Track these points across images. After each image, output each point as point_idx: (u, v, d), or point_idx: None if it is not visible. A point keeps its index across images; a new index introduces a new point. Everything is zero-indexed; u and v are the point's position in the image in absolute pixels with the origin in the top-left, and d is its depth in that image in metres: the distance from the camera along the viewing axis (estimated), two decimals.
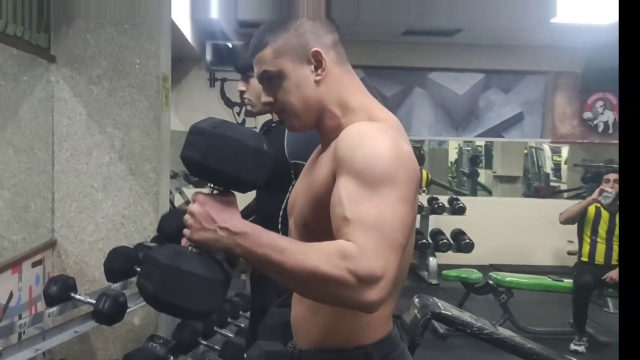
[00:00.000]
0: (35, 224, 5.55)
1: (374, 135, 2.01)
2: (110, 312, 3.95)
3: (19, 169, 5.46)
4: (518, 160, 16.41)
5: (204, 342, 5.00)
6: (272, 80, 2.22)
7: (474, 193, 17.71)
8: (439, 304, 5.81)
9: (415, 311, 5.76)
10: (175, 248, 1.95)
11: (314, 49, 2.18)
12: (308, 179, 2.28)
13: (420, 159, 15.31)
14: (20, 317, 4.79)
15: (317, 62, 2.19)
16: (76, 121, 5.49)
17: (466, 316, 5.76)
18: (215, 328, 5.25)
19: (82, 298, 4.11)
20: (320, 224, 2.10)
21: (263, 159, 1.99)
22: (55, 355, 5.54)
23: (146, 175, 5.52)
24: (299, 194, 2.32)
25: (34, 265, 5.23)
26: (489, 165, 19.56)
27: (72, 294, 4.13)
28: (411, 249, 2.23)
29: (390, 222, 1.89)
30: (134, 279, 4.63)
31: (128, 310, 4.16)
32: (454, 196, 12.03)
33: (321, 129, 2.29)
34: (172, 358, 4.46)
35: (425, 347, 6.64)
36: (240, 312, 5.82)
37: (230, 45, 11.02)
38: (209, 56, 11.11)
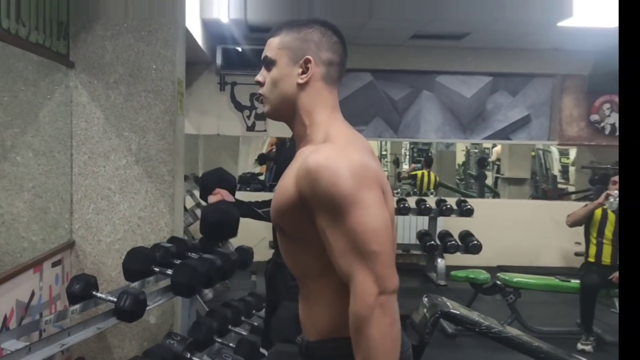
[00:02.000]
0: (54, 225, 5.68)
1: (325, 165, 2.23)
2: (131, 309, 4.07)
3: (39, 171, 5.60)
4: (525, 163, 16.44)
5: (219, 340, 5.12)
6: (268, 65, 2.51)
7: (481, 195, 17.76)
8: (448, 304, 5.91)
9: (425, 310, 5.86)
10: None
11: (307, 56, 2.44)
12: (279, 188, 2.47)
13: (428, 161, 15.40)
14: (41, 316, 4.92)
15: (305, 68, 2.44)
16: (94, 125, 5.62)
17: (474, 315, 5.86)
18: (230, 326, 5.36)
19: (103, 296, 4.24)
20: (293, 231, 2.42)
21: None
22: (73, 353, 5.66)
23: (162, 177, 5.65)
24: (274, 200, 2.49)
25: (54, 265, 5.35)
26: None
27: (94, 292, 4.26)
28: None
29: (364, 238, 2.18)
30: (152, 278, 4.76)
31: (147, 308, 4.27)
32: (462, 198, 12.09)
33: (294, 132, 2.56)
34: (189, 355, 4.56)
35: (434, 346, 6.72)
36: (253, 311, 5.93)
37: (240, 49, 11.10)
38: (219, 60, 11.16)
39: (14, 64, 5.42)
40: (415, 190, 14.32)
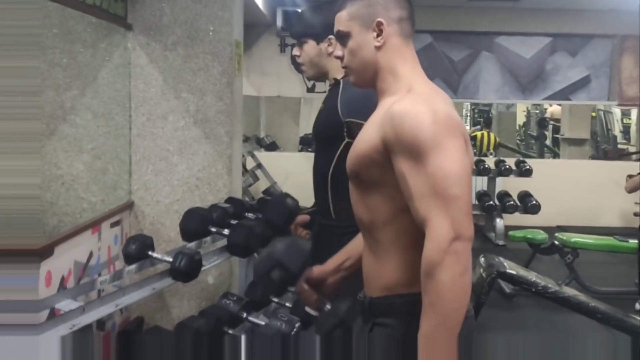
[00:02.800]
0: (113, 186, 5.74)
1: (411, 111, 2.30)
2: (186, 269, 4.08)
3: (98, 133, 5.67)
4: (586, 123, 16.26)
5: (276, 300, 5.12)
6: (343, 39, 2.59)
7: (541, 155, 17.62)
8: (505, 264, 5.88)
9: (481, 270, 5.84)
10: None
11: (378, 19, 2.51)
12: (359, 137, 2.54)
13: (487, 122, 15.30)
14: (99, 276, 4.97)
15: (379, 30, 2.51)
16: (152, 87, 5.65)
17: (532, 276, 5.82)
18: (288, 287, 5.35)
19: (159, 256, 4.25)
20: (368, 176, 2.45)
21: None
22: (132, 313, 5.73)
23: (220, 139, 5.67)
24: (352, 150, 2.56)
25: (113, 225, 5.42)
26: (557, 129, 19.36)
27: (150, 253, 4.28)
28: None
29: (444, 182, 2.20)
30: (209, 238, 4.78)
31: (203, 268, 4.28)
32: (521, 158, 12.01)
33: (377, 90, 2.59)
34: (245, 314, 4.58)
35: (492, 306, 6.72)
36: None
37: (300, 11, 11.07)
38: (279, 22, 11.10)
39: (73, 26, 5.46)
40: (475, 151, 14.20)
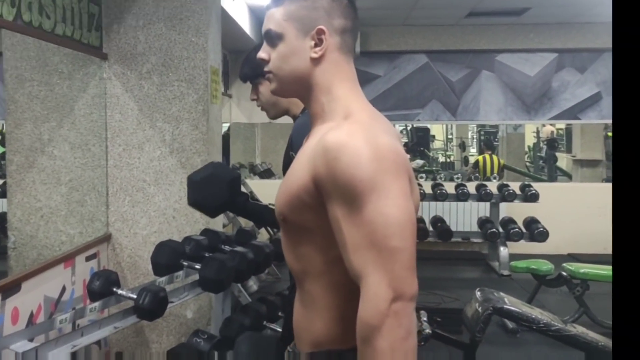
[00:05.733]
0: (91, 218, 5.69)
1: (347, 144, 1.99)
2: (150, 307, 3.95)
3: (75, 164, 5.65)
4: (599, 143, 16.00)
5: None
6: (272, 40, 2.25)
7: (552, 178, 17.39)
8: (505, 299, 5.68)
9: (477, 305, 5.66)
10: None
11: (319, 27, 2.19)
12: (288, 174, 2.25)
13: (488, 144, 15.13)
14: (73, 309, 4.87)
15: (319, 40, 2.19)
16: (128, 116, 5.59)
17: (535, 312, 5.61)
18: (265, 322, 5.21)
19: (123, 293, 4.12)
20: (298, 221, 2.15)
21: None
22: (112, 348, 5.63)
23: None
24: (280, 189, 2.26)
25: (88, 259, 5.33)
26: (569, 149, 19.15)
27: (115, 289, 4.14)
28: None
29: (384, 232, 1.92)
30: (181, 272, 4.65)
31: (172, 304, 4.17)
32: (526, 182, 11.74)
33: (309, 111, 2.31)
34: (217, 354, 4.45)
35: (492, 343, 6.48)
36: None
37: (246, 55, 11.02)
38: None
39: (50, 57, 5.46)
40: (479, 175, 13.86)
